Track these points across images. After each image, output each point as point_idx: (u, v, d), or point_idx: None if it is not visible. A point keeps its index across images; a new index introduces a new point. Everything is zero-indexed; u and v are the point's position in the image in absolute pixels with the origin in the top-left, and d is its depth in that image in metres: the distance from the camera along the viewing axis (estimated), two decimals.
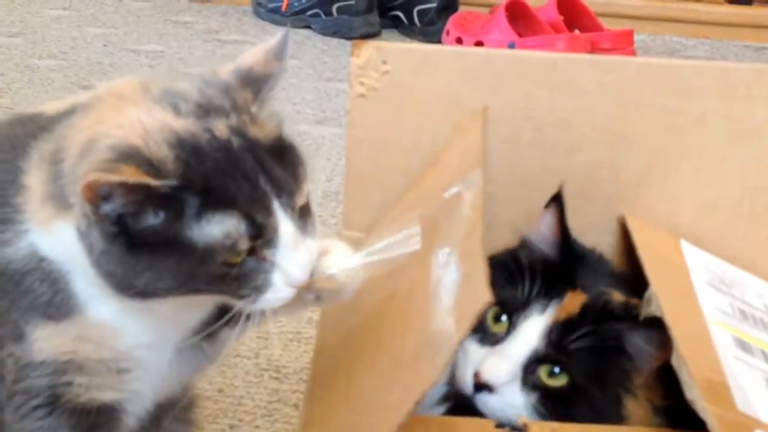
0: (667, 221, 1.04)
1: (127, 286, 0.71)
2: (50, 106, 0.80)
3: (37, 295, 0.75)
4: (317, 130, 2.00)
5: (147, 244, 0.68)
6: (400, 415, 0.69)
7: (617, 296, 0.92)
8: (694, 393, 0.76)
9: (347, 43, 2.33)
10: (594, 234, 1.02)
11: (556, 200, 0.96)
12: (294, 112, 2.06)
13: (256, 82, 0.75)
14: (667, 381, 0.86)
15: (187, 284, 0.71)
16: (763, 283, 1.02)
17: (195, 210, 0.68)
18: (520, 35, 2.16)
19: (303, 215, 0.74)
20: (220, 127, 0.70)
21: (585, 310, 0.91)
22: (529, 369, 0.88)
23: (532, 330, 0.89)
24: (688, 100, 1.02)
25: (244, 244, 0.70)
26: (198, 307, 0.79)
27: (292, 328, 1.37)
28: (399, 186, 1.05)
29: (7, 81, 2.08)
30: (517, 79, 1.03)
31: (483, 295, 0.69)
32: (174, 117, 0.70)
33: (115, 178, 0.66)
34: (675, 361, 0.79)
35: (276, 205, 0.71)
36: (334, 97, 2.15)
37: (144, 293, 0.71)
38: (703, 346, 0.85)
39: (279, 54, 0.77)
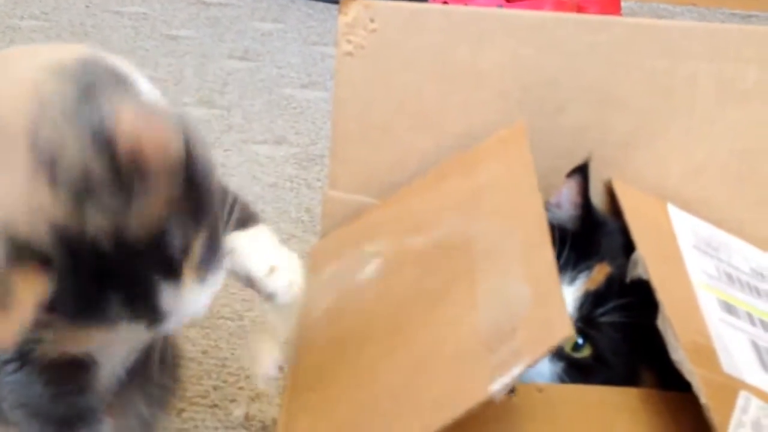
0: (655, 183, 1.04)
1: None
2: None
3: None
4: (302, 93, 1.99)
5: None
6: (445, 417, 0.68)
7: None
8: (679, 354, 0.75)
9: (333, 7, 2.31)
10: None
11: (581, 171, 0.95)
12: (279, 75, 2.05)
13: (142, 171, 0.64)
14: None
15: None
16: (749, 246, 1.02)
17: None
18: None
19: (207, 253, 0.69)
20: (96, 218, 0.62)
21: (610, 282, 0.90)
22: None
23: None
24: (678, 61, 1.01)
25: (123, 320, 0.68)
26: None
27: None
28: (386, 145, 1.04)
29: None
30: (505, 38, 1.02)
31: (564, 328, 0.68)
32: (52, 196, 0.61)
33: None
34: (661, 324, 0.79)
35: (163, 286, 0.67)
36: (320, 61, 2.14)
37: None
38: (689, 309, 0.84)
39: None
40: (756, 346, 0.82)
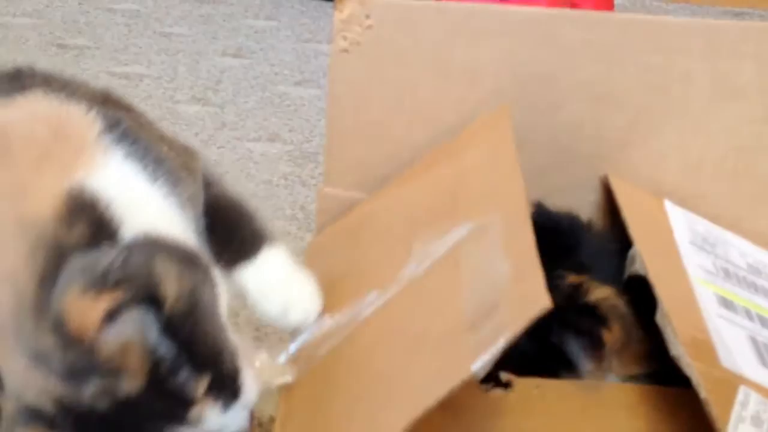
0: (651, 180, 1.03)
1: None
2: None
3: None
4: (296, 91, 1.99)
5: None
6: (428, 399, 0.68)
7: (572, 279, 0.90)
8: (678, 350, 0.75)
9: (326, 4, 2.31)
10: (577, 193, 1.01)
11: None
12: (272, 73, 2.05)
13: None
14: (645, 348, 0.86)
15: None
16: (746, 242, 1.01)
17: None
18: None
19: (218, 389, 0.71)
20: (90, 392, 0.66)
21: None
22: None
23: None
24: (673, 57, 1.01)
25: None
26: None
27: None
28: (381, 142, 1.03)
29: None
30: (500, 34, 1.01)
31: (543, 300, 0.67)
32: (46, 379, 0.66)
33: None
34: (659, 320, 0.79)
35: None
36: (313, 59, 2.14)
37: None
38: (687, 305, 0.84)
39: None
40: (754, 342, 0.82)
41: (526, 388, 0.82)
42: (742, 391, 0.73)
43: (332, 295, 0.89)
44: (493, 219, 0.83)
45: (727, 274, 0.92)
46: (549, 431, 0.81)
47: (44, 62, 2.00)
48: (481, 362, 0.68)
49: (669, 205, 1.01)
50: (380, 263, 0.89)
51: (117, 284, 0.64)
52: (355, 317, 0.85)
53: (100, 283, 0.64)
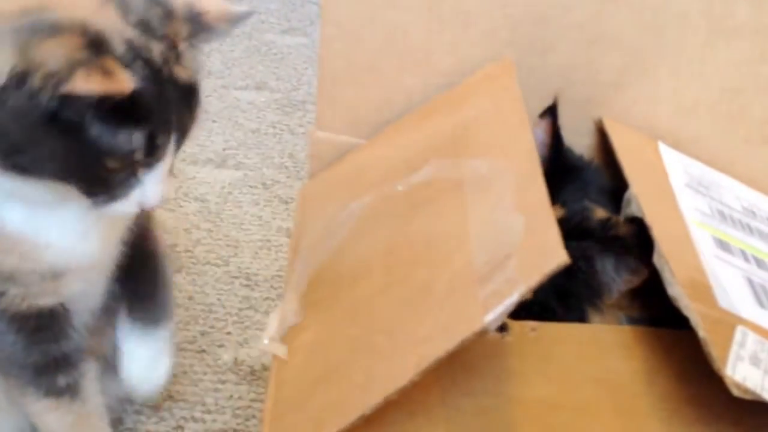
0: (645, 123, 1.03)
1: (5, 153, 0.67)
2: None
3: None
4: (283, 39, 1.97)
5: (55, 125, 0.65)
6: (439, 349, 0.67)
7: (600, 213, 0.90)
8: (676, 290, 0.75)
9: None
10: (571, 136, 1.00)
11: (551, 112, 0.94)
12: (259, 21, 2.03)
13: (199, 26, 0.73)
14: (647, 293, 0.85)
15: (61, 172, 0.69)
16: (740, 185, 1.01)
17: (119, 116, 0.66)
18: None
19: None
20: (156, 50, 0.69)
21: (560, 225, 0.89)
22: None
23: None
24: None
25: (139, 156, 0.69)
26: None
27: (261, 236, 1.36)
28: (373, 85, 1.02)
29: None
30: None
31: (559, 255, 0.67)
32: (123, 22, 0.68)
33: (105, 85, 0.63)
34: (656, 261, 0.78)
35: (172, 138, 0.71)
36: (300, 7, 2.12)
37: (18, 167, 0.68)
38: (684, 246, 0.84)
39: (234, 21, 0.77)
40: (750, 282, 0.82)
41: (523, 330, 0.81)
42: (739, 331, 0.73)
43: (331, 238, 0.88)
44: (500, 170, 0.82)
45: (722, 217, 0.92)
46: (545, 373, 0.81)
47: None
48: (493, 314, 0.67)
49: (663, 148, 1.00)
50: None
51: None
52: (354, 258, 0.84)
53: None
